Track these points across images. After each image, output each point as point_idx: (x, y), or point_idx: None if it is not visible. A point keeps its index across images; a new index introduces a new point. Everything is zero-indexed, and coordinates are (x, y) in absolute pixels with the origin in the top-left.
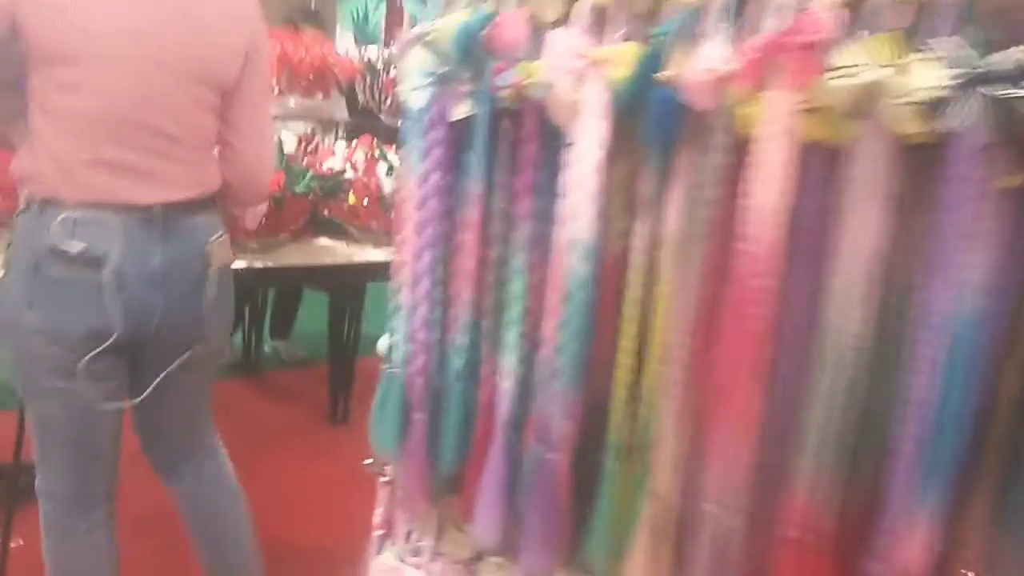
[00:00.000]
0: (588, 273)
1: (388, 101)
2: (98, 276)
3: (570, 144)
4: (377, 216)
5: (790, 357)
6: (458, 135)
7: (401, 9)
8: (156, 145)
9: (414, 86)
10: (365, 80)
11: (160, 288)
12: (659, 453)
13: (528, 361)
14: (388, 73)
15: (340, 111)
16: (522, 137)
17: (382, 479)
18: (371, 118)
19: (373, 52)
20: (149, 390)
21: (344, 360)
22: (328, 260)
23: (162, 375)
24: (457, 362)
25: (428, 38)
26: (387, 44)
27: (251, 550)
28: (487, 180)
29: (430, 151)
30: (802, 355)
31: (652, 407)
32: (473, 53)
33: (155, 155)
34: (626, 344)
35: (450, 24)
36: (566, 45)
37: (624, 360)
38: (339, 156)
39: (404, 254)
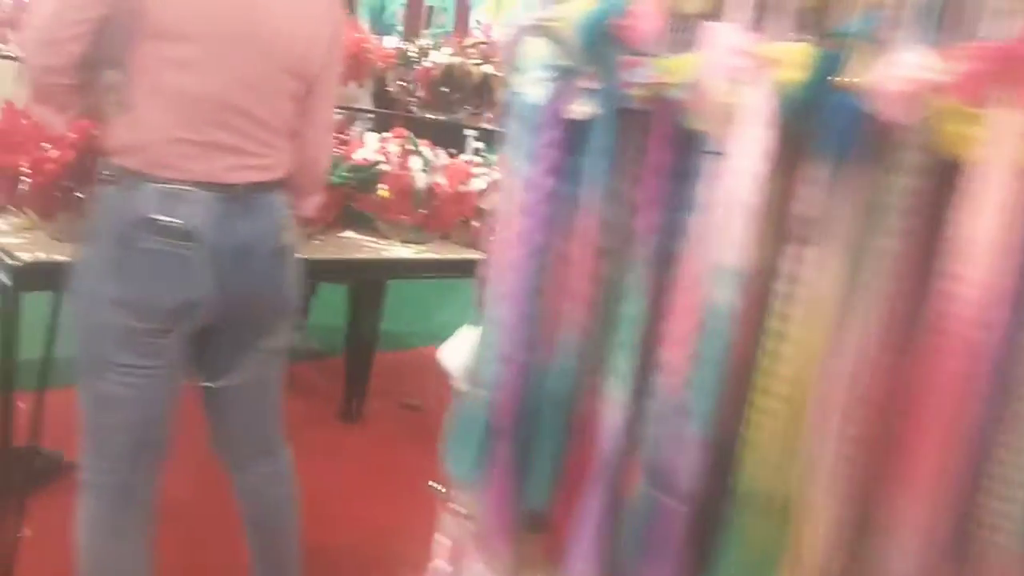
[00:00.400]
0: (734, 303)
1: (420, 93)
2: (190, 247)
3: (715, 153)
4: (407, 211)
5: (995, 416)
6: (573, 136)
7: (421, 2)
8: (248, 128)
9: (530, 79)
10: (397, 70)
11: (246, 261)
12: (808, 513)
13: (640, 391)
14: (421, 64)
15: (365, 101)
16: (651, 142)
17: (453, 508)
18: (399, 109)
19: (390, 43)
20: (241, 369)
21: (362, 355)
22: (356, 255)
23: (254, 351)
24: (555, 387)
25: (547, 25)
26: (406, 37)
27: (298, 546)
28: (605, 188)
29: (543, 153)
30: (1011, 414)
31: (799, 459)
32: (600, 45)
33: (245, 137)
34: (770, 384)
35: (574, 11)
36: (727, 41)
37: (765, 402)
38: (370, 147)
39: (501, 263)
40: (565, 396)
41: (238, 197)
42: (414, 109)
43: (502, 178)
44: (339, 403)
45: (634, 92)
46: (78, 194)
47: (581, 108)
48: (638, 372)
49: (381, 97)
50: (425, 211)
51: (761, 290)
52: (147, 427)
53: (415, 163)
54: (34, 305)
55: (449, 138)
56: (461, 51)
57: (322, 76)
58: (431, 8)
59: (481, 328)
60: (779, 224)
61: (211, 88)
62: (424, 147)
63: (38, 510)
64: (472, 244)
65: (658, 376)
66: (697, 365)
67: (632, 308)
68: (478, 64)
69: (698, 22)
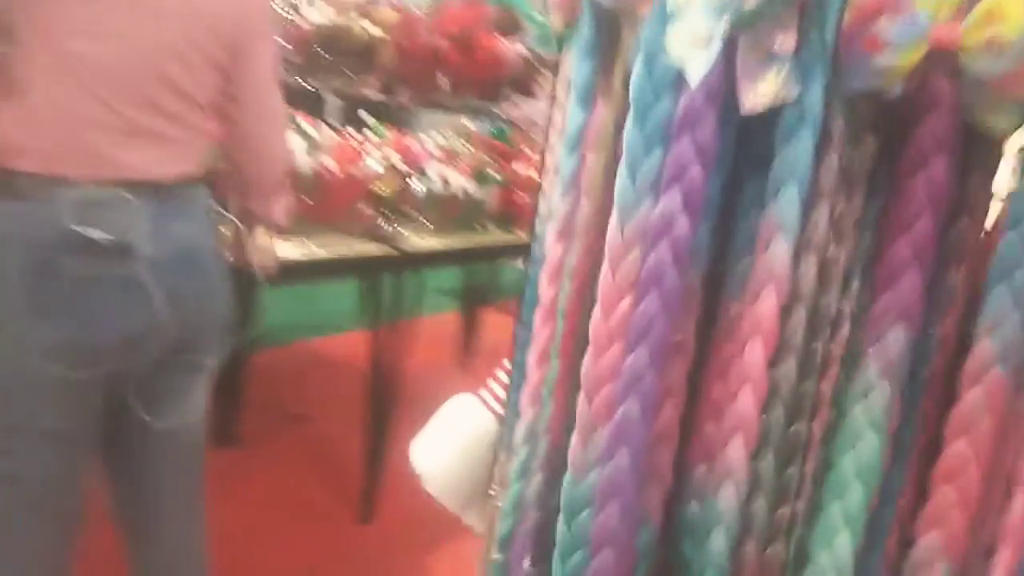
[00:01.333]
0: None
1: (293, 57)
2: (130, 267)
3: None
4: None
5: None
6: (740, 141)
7: None
8: (174, 106)
9: (672, 35)
10: None
11: (189, 272)
12: None
13: None
14: (293, 22)
15: None
16: (914, 152)
17: None
18: None
19: None
20: (185, 400)
21: (234, 363)
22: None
23: (198, 374)
24: None
25: None
26: None
27: None
28: (802, 235)
29: (679, 173)
30: None
31: None
32: None
33: (170, 119)
34: None
35: None
36: None
37: None
38: None
39: (591, 376)
40: None
41: (169, 195)
42: (286, 76)
43: (562, 215)
44: (211, 423)
45: (881, 62)
46: None
47: (766, 90)
48: (874, 572)
49: None
50: (310, 199)
51: None
52: (66, 499)
53: (296, 143)
54: None
55: (325, 110)
56: (341, 8)
57: (253, 48)
58: None
59: (519, 476)
60: None
61: (129, 55)
62: (304, 122)
63: None
64: (365, 234)
65: None
66: None
67: (860, 456)
68: (358, 22)
69: None
